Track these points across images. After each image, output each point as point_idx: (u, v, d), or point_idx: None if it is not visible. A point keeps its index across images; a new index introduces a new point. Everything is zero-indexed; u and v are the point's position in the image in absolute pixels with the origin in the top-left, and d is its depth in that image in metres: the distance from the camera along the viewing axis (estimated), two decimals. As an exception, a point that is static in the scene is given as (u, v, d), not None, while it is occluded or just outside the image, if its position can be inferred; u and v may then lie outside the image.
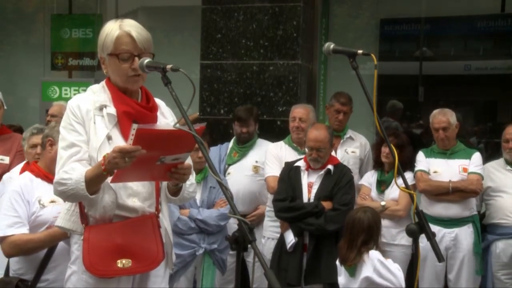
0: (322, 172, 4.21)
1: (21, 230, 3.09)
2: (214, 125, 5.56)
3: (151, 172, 2.47)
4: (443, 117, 4.76)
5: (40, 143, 3.66)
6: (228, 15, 5.76)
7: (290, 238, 4.15)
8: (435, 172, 4.76)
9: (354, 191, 4.34)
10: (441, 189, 4.67)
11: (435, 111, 4.85)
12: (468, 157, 4.75)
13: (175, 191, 2.66)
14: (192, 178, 2.69)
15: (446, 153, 4.80)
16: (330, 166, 4.22)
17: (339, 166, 4.29)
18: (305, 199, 4.18)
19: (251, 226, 2.15)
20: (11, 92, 7.46)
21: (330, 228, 4.04)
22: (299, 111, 4.86)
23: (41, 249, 3.11)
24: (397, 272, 3.56)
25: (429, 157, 4.83)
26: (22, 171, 3.61)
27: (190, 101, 2.32)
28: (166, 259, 2.64)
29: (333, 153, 4.96)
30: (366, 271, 3.51)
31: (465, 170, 4.70)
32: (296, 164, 4.31)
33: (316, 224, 4.05)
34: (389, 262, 3.59)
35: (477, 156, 4.76)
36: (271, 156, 4.78)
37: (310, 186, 4.21)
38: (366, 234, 3.60)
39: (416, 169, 4.81)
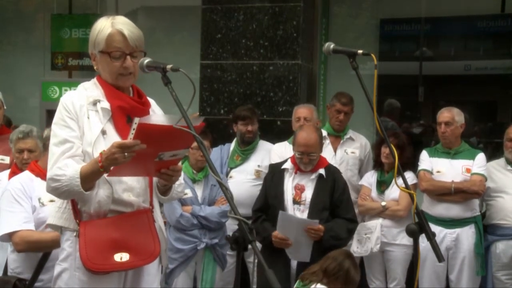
0: (314, 176, 3.96)
1: (29, 226, 3.11)
2: (214, 125, 5.56)
3: (148, 168, 2.47)
4: (448, 113, 4.77)
5: (26, 148, 3.66)
6: (228, 15, 5.76)
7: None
8: (438, 172, 4.75)
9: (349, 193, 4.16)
10: (444, 189, 4.66)
11: (443, 108, 4.87)
12: (472, 157, 4.74)
13: (164, 190, 2.66)
14: (181, 178, 2.69)
15: (450, 152, 4.80)
16: (321, 170, 3.97)
17: (330, 169, 4.06)
18: (290, 203, 3.95)
19: (251, 226, 2.15)
20: (11, 92, 7.45)
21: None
22: (303, 111, 4.87)
23: (50, 249, 3.09)
24: None
25: (432, 157, 4.83)
26: (11, 175, 3.61)
27: (190, 101, 2.32)
28: (160, 256, 2.62)
29: (333, 153, 4.97)
30: None
31: (468, 170, 4.69)
32: (283, 166, 4.06)
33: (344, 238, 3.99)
34: None
35: (481, 157, 4.74)
36: (275, 156, 4.79)
37: (298, 188, 3.98)
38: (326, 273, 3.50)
39: (419, 168, 4.81)
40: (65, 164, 2.40)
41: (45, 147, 3.26)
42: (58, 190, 2.41)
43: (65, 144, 2.44)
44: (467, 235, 4.68)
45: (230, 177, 4.98)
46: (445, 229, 4.67)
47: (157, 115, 2.58)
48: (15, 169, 3.72)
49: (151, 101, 2.72)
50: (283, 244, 3.86)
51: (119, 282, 2.53)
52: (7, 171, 3.81)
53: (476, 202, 4.76)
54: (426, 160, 4.82)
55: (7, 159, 4.38)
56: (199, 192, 4.52)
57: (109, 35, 2.50)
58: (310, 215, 3.89)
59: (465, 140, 4.96)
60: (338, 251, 3.65)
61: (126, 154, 2.25)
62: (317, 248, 3.84)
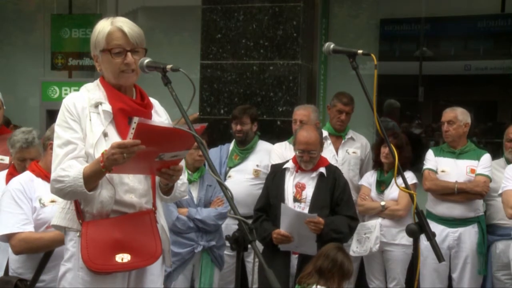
0: (315, 174, 4.01)
1: (29, 228, 3.10)
2: (214, 125, 5.56)
3: (149, 167, 2.48)
4: (451, 112, 4.80)
5: (30, 158, 3.62)
6: (228, 15, 5.76)
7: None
8: (442, 171, 4.76)
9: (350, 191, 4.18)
10: (447, 189, 4.67)
11: (448, 108, 4.90)
12: (477, 158, 4.75)
13: (166, 190, 2.67)
14: (184, 177, 2.70)
15: (455, 152, 4.80)
16: (322, 169, 4.02)
17: (331, 167, 4.09)
18: (290, 200, 3.98)
19: (251, 226, 2.15)
20: (11, 92, 7.46)
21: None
22: (300, 113, 4.89)
23: (49, 249, 3.10)
24: None
25: (438, 156, 4.84)
26: (8, 176, 3.60)
27: (190, 101, 2.32)
28: (163, 256, 2.65)
29: (334, 153, 4.97)
30: None
31: (473, 171, 4.71)
32: (285, 166, 4.11)
33: (345, 233, 3.95)
34: None
35: (486, 158, 4.75)
36: (276, 156, 4.81)
37: (299, 186, 4.00)
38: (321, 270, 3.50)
39: (424, 167, 4.82)
40: (69, 165, 2.42)
41: (45, 147, 3.27)
42: (62, 191, 2.43)
43: (68, 146, 2.46)
44: (469, 234, 4.69)
45: (229, 176, 5.00)
46: (447, 228, 4.68)
47: (157, 122, 2.58)
48: (13, 170, 3.71)
49: (155, 102, 2.73)
50: (285, 240, 3.86)
51: (123, 282, 2.54)
52: (5, 172, 3.80)
53: (480, 202, 4.77)
54: (431, 160, 4.83)
55: (6, 159, 4.37)
56: (195, 193, 4.47)
57: (108, 33, 2.52)
58: (310, 213, 3.90)
59: (471, 140, 4.96)
60: (327, 246, 3.61)
61: (125, 155, 2.26)
62: (321, 242, 3.83)
